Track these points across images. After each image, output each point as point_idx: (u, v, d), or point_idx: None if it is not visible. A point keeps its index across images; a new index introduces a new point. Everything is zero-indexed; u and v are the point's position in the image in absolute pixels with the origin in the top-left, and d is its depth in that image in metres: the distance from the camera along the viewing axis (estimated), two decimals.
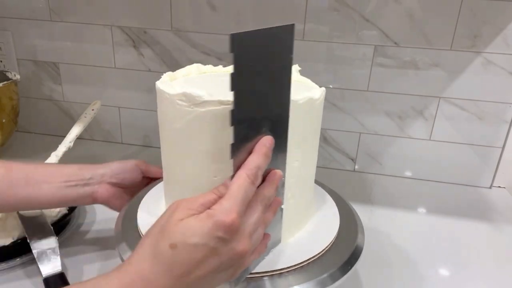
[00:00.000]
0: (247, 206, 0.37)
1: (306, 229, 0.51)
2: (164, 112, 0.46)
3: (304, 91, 0.47)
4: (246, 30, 0.34)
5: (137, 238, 0.49)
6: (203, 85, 0.49)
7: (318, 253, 0.47)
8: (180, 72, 0.54)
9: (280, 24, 0.38)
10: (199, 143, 0.43)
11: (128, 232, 0.51)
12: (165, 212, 0.37)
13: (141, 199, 0.56)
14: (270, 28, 0.37)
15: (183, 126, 0.44)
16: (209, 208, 0.35)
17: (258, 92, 0.37)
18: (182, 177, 0.48)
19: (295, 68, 0.57)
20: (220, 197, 0.36)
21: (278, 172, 0.41)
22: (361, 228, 0.54)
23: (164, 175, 0.52)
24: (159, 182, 0.61)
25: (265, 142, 0.39)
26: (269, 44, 0.37)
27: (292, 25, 0.39)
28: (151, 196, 0.57)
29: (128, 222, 0.52)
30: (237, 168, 0.37)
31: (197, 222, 0.34)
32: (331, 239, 0.49)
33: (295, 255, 0.46)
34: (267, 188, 0.39)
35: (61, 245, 0.62)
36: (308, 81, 0.55)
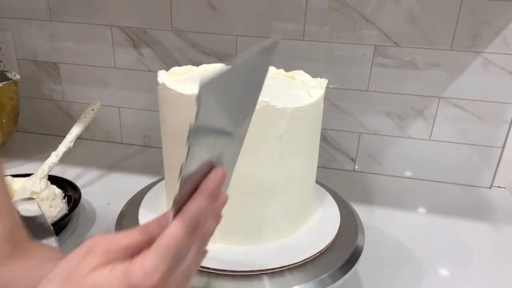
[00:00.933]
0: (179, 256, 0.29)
1: (306, 228, 0.52)
2: (178, 114, 0.46)
3: (303, 91, 0.47)
4: (218, 74, 0.27)
5: None
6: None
7: (318, 252, 0.47)
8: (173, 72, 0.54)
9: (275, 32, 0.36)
10: None
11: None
12: (78, 250, 0.29)
13: (142, 197, 0.56)
14: (244, 62, 0.31)
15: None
16: (132, 254, 0.28)
17: (222, 121, 0.32)
18: None
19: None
20: (150, 241, 0.29)
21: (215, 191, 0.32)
22: (361, 228, 0.54)
23: (166, 174, 0.52)
24: (160, 181, 0.61)
25: (214, 177, 0.31)
26: (243, 77, 0.32)
27: (276, 42, 0.34)
28: (152, 195, 0.57)
29: (129, 221, 0.52)
30: (182, 196, 0.30)
31: (110, 281, 0.27)
32: (331, 239, 0.49)
33: (295, 254, 0.46)
34: (207, 222, 0.33)
35: (61, 245, 0.62)
36: (308, 77, 0.55)
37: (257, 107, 0.41)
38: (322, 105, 0.49)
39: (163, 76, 0.49)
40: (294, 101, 0.44)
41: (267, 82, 0.51)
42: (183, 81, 0.51)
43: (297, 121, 0.45)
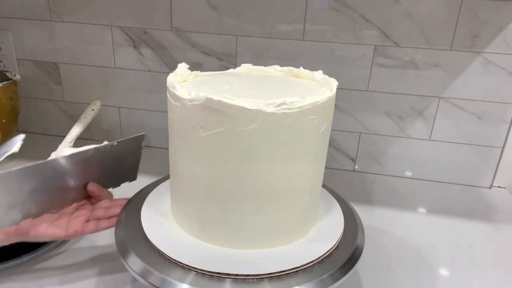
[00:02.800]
0: None
1: (311, 232, 0.51)
2: (182, 117, 0.46)
3: (314, 92, 0.46)
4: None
5: (137, 237, 0.49)
6: (222, 88, 0.49)
7: (319, 257, 0.47)
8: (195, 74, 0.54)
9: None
10: (223, 146, 0.44)
11: (128, 231, 0.51)
12: None
13: (143, 197, 0.56)
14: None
15: (207, 133, 0.44)
16: None
17: None
18: (188, 177, 0.48)
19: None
20: None
21: None
22: (361, 228, 0.54)
23: (171, 175, 0.52)
24: (161, 181, 0.61)
25: None
26: None
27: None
28: (155, 194, 0.57)
29: (129, 221, 0.52)
30: None
31: None
32: (334, 243, 0.49)
33: (297, 258, 0.46)
34: None
35: (61, 244, 0.62)
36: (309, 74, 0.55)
37: (268, 110, 0.42)
38: (333, 104, 0.49)
39: (170, 78, 0.49)
40: (306, 101, 0.44)
41: (272, 82, 0.50)
42: (190, 84, 0.51)
43: (306, 124, 0.44)
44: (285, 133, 0.43)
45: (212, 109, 0.42)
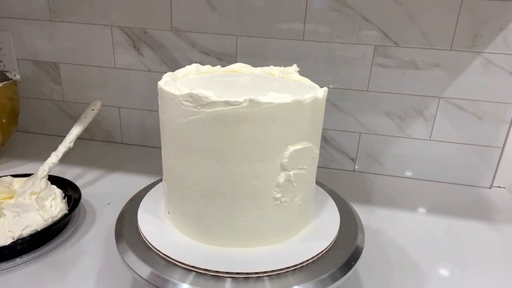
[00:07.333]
0: None
1: (306, 229, 0.52)
2: (167, 113, 0.46)
3: (306, 91, 0.47)
4: None
5: (137, 238, 0.49)
6: (205, 86, 0.49)
7: (318, 254, 0.47)
8: (179, 72, 0.54)
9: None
10: (203, 143, 0.44)
11: (128, 231, 0.51)
12: None
13: (143, 197, 0.57)
14: None
15: (187, 126, 0.44)
16: None
17: None
18: (182, 177, 0.48)
19: (293, 69, 0.57)
20: None
21: None
22: (361, 228, 0.54)
23: (165, 175, 0.52)
24: (160, 181, 0.61)
25: None
26: None
27: None
28: (151, 196, 0.58)
29: (128, 221, 0.52)
30: None
31: None
32: (331, 240, 0.49)
33: (296, 256, 0.46)
34: None
35: (61, 245, 0.62)
36: (307, 80, 0.55)
37: (256, 107, 0.41)
38: (324, 101, 0.49)
39: (164, 78, 0.49)
40: (293, 98, 0.44)
41: (266, 82, 0.51)
42: (182, 82, 0.51)
43: (297, 120, 0.45)
44: (280, 130, 0.43)
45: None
